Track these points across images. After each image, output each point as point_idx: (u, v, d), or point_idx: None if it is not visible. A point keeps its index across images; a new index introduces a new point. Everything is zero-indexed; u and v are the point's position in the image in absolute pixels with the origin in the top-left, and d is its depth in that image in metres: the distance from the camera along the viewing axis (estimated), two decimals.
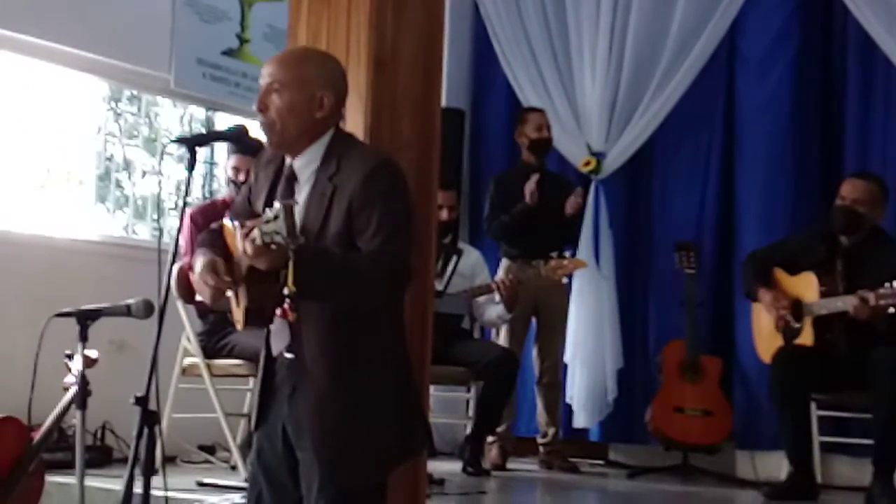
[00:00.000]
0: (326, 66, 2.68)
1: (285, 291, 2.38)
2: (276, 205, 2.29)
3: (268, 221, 2.29)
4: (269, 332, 2.65)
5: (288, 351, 2.58)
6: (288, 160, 2.65)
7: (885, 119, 5.64)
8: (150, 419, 2.40)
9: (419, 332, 3.11)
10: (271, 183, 2.68)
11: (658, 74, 6.17)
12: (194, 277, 2.58)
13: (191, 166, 2.57)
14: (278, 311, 2.52)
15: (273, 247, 2.30)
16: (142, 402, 2.40)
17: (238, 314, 2.59)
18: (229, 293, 2.61)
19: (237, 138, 2.73)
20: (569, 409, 6.06)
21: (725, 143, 6.13)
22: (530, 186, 5.58)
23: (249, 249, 2.35)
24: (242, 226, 2.42)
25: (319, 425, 2.48)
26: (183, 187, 5.78)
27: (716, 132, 6.17)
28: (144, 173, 5.95)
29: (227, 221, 2.67)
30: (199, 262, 2.56)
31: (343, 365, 2.49)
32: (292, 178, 2.63)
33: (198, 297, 3.72)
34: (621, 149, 6.27)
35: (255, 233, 2.32)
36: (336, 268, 2.42)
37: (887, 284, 4.47)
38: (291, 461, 2.58)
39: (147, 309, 3.16)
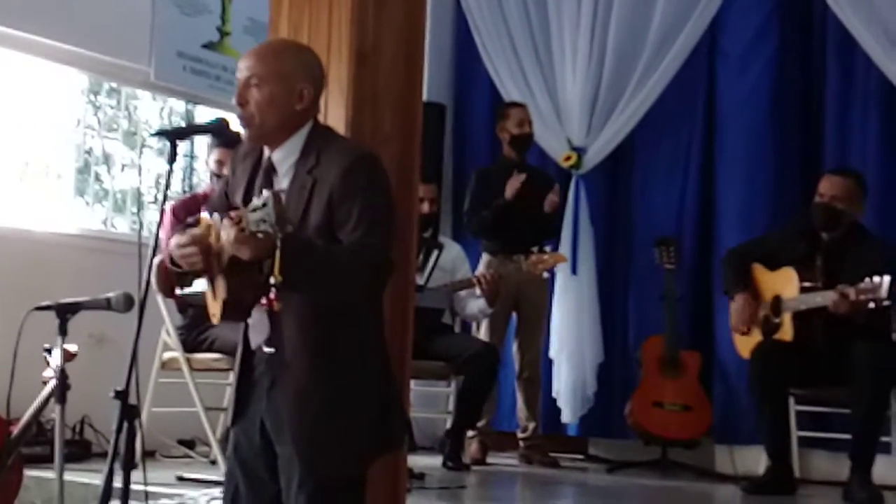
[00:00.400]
0: (304, 58, 2.68)
1: (271, 280, 2.35)
2: (265, 192, 2.27)
3: (255, 210, 2.27)
4: (246, 326, 2.64)
5: (267, 344, 2.57)
6: (266, 153, 2.64)
7: (864, 115, 5.67)
8: (129, 413, 2.39)
9: (400, 327, 3.11)
10: (249, 176, 2.67)
11: (639, 70, 6.18)
12: (173, 253, 2.55)
13: (171, 159, 2.56)
14: (263, 301, 2.48)
15: (260, 235, 2.29)
16: (122, 396, 2.39)
17: (215, 307, 2.57)
18: (206, 287, 2.60)
19: (218, 131, 2.72)
20: (554, 405, 6.08)
21: (705, 138, 6.14)
22: (514, 183, 5.59)
23: (234, 236, 2.33)
24: (223, 218, 2.41)
25: (299, 419, 2.48)
26: (163, 181, 5.76)
27: (696, 128, 6.19)
28: (124, 166, 5.93)
29: (205, 215, 2.66)
30: (173, 238, 2.56)
31: (323, 358, 2.49)
32: (271, 171, 2.62)
33: (178, 291, 3.71)
34: (602, 144, 6.28)
35: (243, 221, 2.31)
36: (319, 259, 2.41)
37: (867, 279, 4.50)
38: (269, 455, 2.57)
39: (127, 303, 3.14)
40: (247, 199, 2.63)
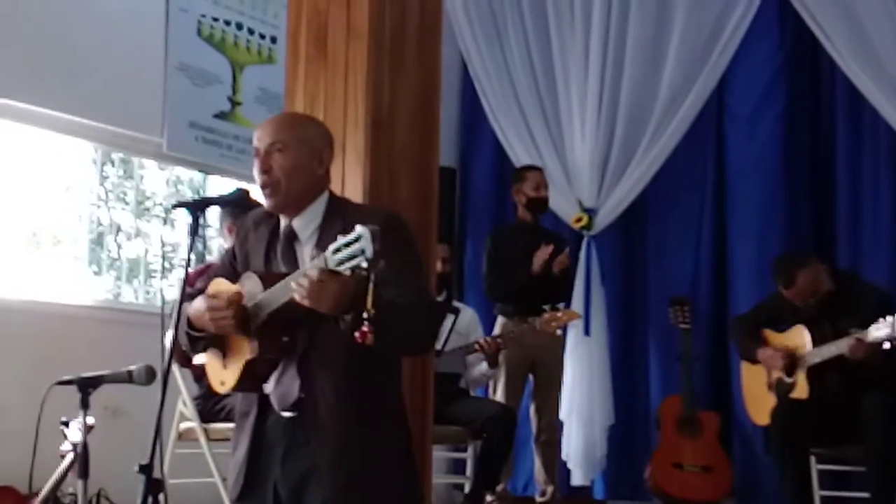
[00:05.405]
0: (318, 126, 2.76)
1: (364, 315, 2.24)
2: (359, 228, 2.17)
3: (338, 250, 2.20)
4: (261, 393, 2.60)
5: (293, 408, 2.54)
6: (284, 221, 2.64)
7: (875, 170, 5.69)
8: (154, 488, 2.36)
9: (420, 393, 3.10)
10: (267, 243, 2.66)
11: (649, 131, 6.21)
12: (198, 314, 2.53)
13: (193, 231, 2.56)
14: (356, 335, 2.28)
15: (347, 273, 2.22)
16: (146, 470, 2.36)
17: (227, 374, 2.53)
18: (214, 355, 2.58)
19: (239, 202, 2.72)
20: (565, 467, 6.01)
21: (717, 198, 6.16)
22: (542, 255, 5.54)
23: (316, 275, 2.26)
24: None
25: (338, 479, 2.46)
26: (177, 251, 5.75)
27: (707, 187, 6.21)
28: (132, 235, 5.92)
29: (218, 280, 2.64)
30: (198, 301, 2.54)
31: (359, 415, 2.49)
32: (292, 237, 2.62)
33: (195, 361, 3.68)
34: (613, 205, 6.30)
35: (318, 261, 2.26)
36: (396, 307, 2.37)
37: (880, 320, 4.43)
38: None
39: (149, 375, 3.11)
40: (267, 267, 2.63)
